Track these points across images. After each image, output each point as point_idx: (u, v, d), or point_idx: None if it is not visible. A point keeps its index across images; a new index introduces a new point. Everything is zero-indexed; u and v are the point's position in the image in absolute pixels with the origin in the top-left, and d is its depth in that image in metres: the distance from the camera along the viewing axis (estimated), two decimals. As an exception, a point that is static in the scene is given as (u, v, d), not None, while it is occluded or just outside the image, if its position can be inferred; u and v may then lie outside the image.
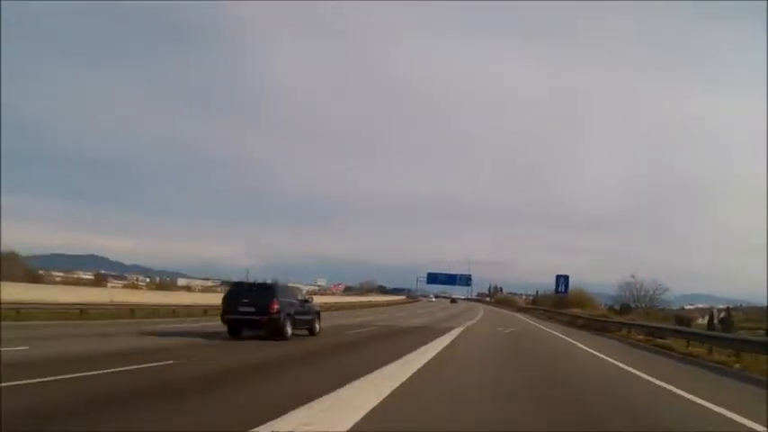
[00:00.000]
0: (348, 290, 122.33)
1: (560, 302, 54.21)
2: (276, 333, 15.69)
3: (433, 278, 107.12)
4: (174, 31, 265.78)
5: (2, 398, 5.96)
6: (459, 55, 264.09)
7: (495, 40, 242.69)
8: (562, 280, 53.06)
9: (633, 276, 51.04)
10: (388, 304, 70.09)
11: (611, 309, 54.02)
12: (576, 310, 44.82)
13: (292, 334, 16.31)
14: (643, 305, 49.05)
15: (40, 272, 50.53)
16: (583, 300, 54.51)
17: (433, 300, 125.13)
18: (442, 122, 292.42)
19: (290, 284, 21.07)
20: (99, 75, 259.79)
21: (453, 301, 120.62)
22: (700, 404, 8.04)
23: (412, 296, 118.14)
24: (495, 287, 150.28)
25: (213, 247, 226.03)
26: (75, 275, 68.31)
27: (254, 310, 15.71)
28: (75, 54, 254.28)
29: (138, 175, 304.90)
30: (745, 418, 6.90)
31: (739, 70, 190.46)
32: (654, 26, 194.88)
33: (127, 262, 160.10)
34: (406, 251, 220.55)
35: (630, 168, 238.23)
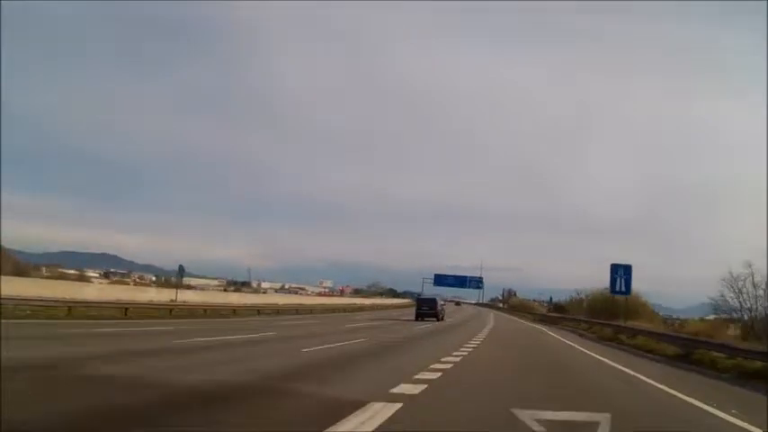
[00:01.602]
0: (357, 292, 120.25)
1: (606, 308, 35.95)
2: (437, 318, 38.66)
3: (440, 280, 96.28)
4: (180, 32, 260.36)
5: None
6: (473, 61, 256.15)
7: (503, 44, 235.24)
8: (621, 272, 31.33)
9: (750, 266, 29.36)
10: (378, 307, 64.69)
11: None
12: (642, 324, 29.56)
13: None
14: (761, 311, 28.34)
15: (43, 269, 55.49)
16: (639, 307, 37.21)
17: None
18: (452, 128, 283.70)
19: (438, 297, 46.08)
20: (109, 77, 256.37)
21: (458, 304, 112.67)
22: None
23: (415, 300, 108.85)
24: (509, 291, 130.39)
25: (227, 249, 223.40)
26: (60, 271, 66.98)
27: (429, 308, 39.61)
28: (89, 57, 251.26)
29: (151, 178, 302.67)
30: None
31: (743, 73, 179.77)
32: (657, 30, 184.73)
33: (139, 261, 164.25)
34: (418, 255, 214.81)
35: (636, 175, 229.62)
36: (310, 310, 45.01)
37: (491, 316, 55.80)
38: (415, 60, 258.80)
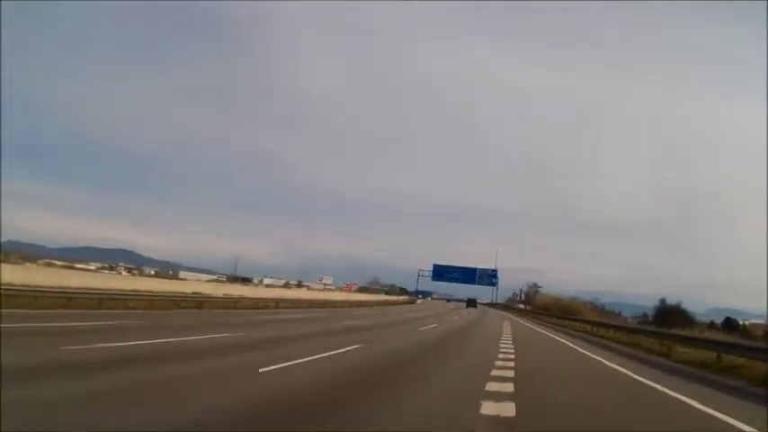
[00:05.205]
0: (363, 290, 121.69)
1: None
2: (475, 307, 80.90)
3: (440, 273, 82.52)
4: (201, 30, 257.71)
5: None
6: (488, 62, 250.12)
7: (523, 47, 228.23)
8: None
9: None
10: (369, 304, 58.62)
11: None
12: None
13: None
14: None
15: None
16: None
17: (428, 300, 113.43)
18: (471, 131, 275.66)
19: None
20: (135, 74, 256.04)
21: (448, 301, 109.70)
22: None
23: (412, 297, 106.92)
24: (533, 285, 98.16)
25: (241, 246, 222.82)
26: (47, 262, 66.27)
27: (472, 302, 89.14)
28: (113, 55, 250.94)
29: (171, 176, 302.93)
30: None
31: (744, 73, 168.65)
32: (657, 31, 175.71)
33: (156, 257, 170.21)
34: (428, 254, 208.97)
35: (656, 179, 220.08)
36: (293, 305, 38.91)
37: (505, 330, 26.65)
38: (432, 61, 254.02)
